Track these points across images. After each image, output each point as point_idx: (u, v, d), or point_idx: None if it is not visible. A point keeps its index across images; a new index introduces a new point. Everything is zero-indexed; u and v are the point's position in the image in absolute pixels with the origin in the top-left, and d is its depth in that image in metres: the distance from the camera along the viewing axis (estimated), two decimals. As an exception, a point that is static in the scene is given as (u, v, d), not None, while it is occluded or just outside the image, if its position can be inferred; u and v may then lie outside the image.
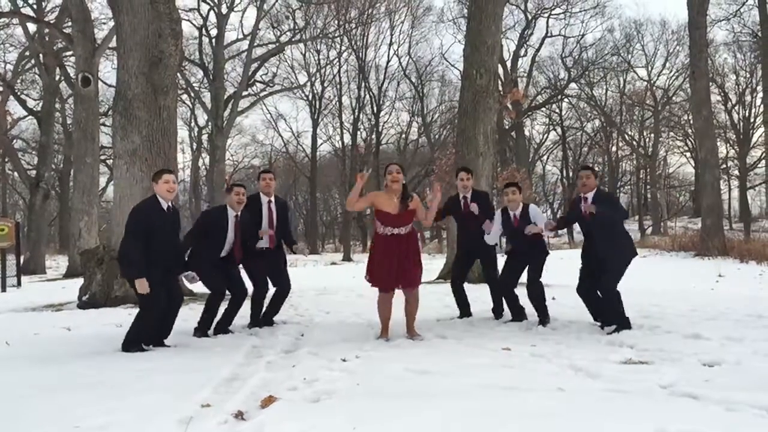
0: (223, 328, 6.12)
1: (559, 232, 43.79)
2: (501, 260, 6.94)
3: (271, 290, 6.57)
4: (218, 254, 6.00)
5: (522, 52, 38.43)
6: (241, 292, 6.13)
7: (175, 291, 5.47)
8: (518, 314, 6.49)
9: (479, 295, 8.89)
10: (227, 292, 6.07)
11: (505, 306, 6.74)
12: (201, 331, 5.97)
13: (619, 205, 6.08)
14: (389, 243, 5.51)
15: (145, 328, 5.24)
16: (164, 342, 5.43)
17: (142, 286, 5.03)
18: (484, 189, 6.64)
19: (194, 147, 42.15)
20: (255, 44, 29.13)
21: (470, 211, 6.64)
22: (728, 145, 39.32)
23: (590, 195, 5.88)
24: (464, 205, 6.75)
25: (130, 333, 5.24)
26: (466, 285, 7.15)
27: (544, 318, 6.28)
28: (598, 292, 5.91)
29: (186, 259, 5.82)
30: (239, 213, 6.07)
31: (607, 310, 5.87)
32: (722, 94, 38.68)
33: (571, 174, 42.18)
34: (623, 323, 5.73)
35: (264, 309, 6.51)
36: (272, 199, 6.59)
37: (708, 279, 12.85)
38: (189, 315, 6.92)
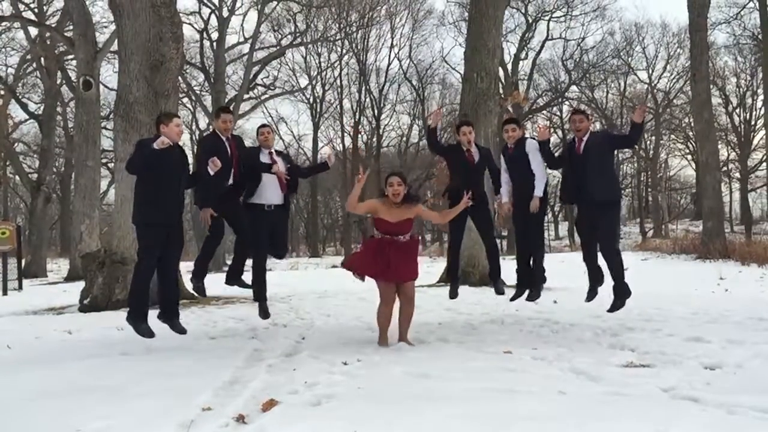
0: (236, 278, 6.17)
1: (560, 233, 43.96)
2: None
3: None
4: (225, 180, 5.87)
5: (523, 55, 38.37)
6: (245, 233, 6.02)
7: (175, 240, 5.35)
8: (535, 284, 6.19)
9: (480, 298, 8.90)
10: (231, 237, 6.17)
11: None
12: (197, 278, 6.08)
13: (618, 134, 6.14)
14: (383, 242, 5.36)
15: (140, 286, 5.19)
16: (178, 320, 5.39)
17: (161, 141, 4.98)
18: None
19: (195, 150, 42.14)
20: (256, 47, 29.15)
21: (472, 162, 6.14)
22: (729, 147, 39.24)
23: (585, 138, 5.81)
24: (467, 155, 6.14)
25: (130, 299, 5.30)
26: (466, 288, 7.10)
27: (539, 284, 6.16)
28: (601, 257, 5.89)
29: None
30: (230, 137, 6.05)
31: (613, 276, 5.85)
32: (723, 96, 38.61)
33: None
34: (623, 290, 5.81)
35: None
36: (273, 151, 6.23)
37: (709, 282, 12.81)
38: (189, 318, 6.93)
